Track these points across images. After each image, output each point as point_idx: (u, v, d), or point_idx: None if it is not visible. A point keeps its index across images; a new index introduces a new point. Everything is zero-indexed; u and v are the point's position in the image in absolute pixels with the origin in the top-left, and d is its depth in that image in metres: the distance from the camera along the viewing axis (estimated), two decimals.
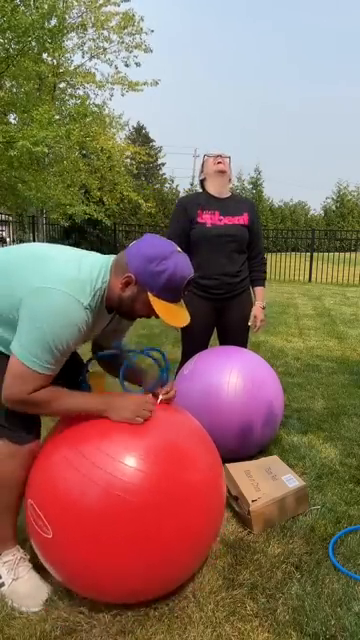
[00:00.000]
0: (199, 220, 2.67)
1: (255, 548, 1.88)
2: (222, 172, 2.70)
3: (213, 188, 2.73)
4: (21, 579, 1.63)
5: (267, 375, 2.63)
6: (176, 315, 1.53)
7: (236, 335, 2.86)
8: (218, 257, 2.69)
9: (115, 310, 1.61)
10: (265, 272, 2.93)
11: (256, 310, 2.85)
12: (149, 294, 1.49)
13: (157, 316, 1.54)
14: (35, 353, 1.41)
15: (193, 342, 2.84)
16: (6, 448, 1.56)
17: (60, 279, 1.44)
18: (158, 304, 1.50)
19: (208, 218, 2.68)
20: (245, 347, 2.90)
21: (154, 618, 1.55)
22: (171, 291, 1.49)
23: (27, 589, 1.61)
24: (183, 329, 2.86)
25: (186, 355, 2.86)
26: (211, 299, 2.76)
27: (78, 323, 1.44)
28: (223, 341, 2.92)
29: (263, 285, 2.91)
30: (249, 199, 2.98)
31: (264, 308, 2.88)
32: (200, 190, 2.85)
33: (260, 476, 2.14)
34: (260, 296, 2.88)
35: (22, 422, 1.57)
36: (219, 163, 2.69)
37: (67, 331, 1.42)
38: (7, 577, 1.63)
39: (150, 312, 1.56)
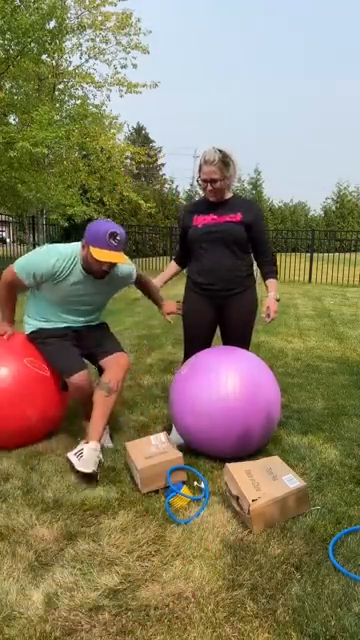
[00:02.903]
0: (193, 224, 2.76)
1: (255, 548, 1.88)
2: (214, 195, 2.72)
3: (209, 198, 2.76)
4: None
5: (264, 375, 2.63)
6: (107, 256, 2.35)
7: (237, 334, 2.86)
8: (211, 253, 2.73)
9: (87, 270, 2.49)
10: (275, 266, 2.91)
11: (269, 301, 2.80)
12: (90, 247, 2.36)
13: (100, 266, 2.41)
14: (21, 265, 2.51)
15: (194, 341, 2.86)
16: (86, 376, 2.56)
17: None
18: (93, 250, 2.34)
19: (201, 220, 2.75)
20: (247, 346, 2.89)
21: (154, 618, 1.55)
22: (98, 239, 2.34)
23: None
24: (185, 329, 2.90)
25: (188, 354, 2.88)
26: (210, 297, 2.78)
27: (45, 267, 2.44)
28: (225, 340, 2.92)
29: (275, 278, 2.87)
30: (249, 201, 2.94)
31: (278, 300, 2.82)
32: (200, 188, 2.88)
33: (261, 476, 2.14)
34: (273, 287, 2.84)
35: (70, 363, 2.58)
36: (210, 190, 2.67)
37: (39, 266, 2.45)
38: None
39: (94, 261, 2.39)
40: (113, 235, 2.33)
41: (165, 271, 3.12)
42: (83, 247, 2.42)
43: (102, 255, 2.33)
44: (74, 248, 2.48)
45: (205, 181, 2.65)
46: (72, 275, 2.48)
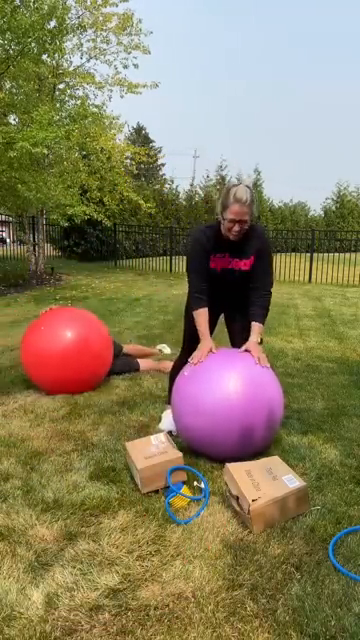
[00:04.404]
0: (212, 265, 2.66)
1: (255, 548, 1.89)
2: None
3: (226, 236, 2.59)
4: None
5: (267, 376, 2.62)
6: None
7: (241, 336, 2.78)
8: (224, 291, 2.80)
9: None
10: (266, 308, 2.71)
11: (249, 345, 2.62)
12: None
13: None
14: None
15: (196, 341, 2.77)
16: None
17: None
18: None
19: (219, 262, 2.66)
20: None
21: (154, 618, 1.55)
22: None
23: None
24: (190, 332, 2.87)
25: (185, 350, 2.90)
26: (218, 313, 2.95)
27: None
28: (236, 338, 2.88)
29: (262, 322, 2.69)
30: (261, 234, 2.73)
31: (260, 343, 2.65)
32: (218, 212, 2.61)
33: (261, 476, 2.14)
34: (256, 331, 2.66)
35: None
36: (237, 232, 2.50)
37: None
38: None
39: None
40: None
41: (203, 326, 2.67)
42: None
43: None
44: None
45: (233, 221, 2.45)
46: None
